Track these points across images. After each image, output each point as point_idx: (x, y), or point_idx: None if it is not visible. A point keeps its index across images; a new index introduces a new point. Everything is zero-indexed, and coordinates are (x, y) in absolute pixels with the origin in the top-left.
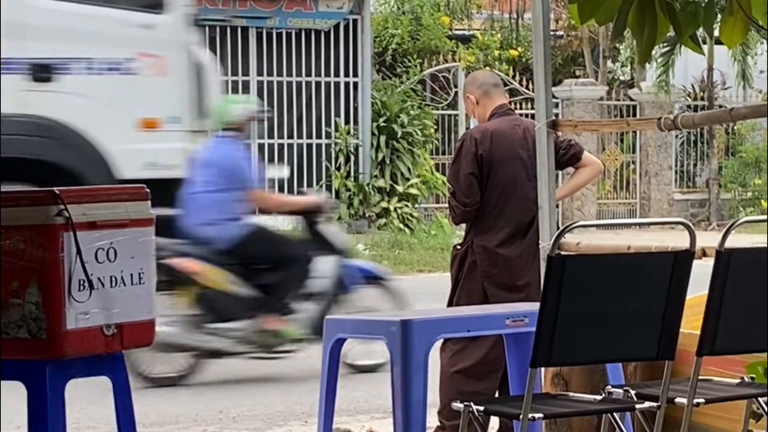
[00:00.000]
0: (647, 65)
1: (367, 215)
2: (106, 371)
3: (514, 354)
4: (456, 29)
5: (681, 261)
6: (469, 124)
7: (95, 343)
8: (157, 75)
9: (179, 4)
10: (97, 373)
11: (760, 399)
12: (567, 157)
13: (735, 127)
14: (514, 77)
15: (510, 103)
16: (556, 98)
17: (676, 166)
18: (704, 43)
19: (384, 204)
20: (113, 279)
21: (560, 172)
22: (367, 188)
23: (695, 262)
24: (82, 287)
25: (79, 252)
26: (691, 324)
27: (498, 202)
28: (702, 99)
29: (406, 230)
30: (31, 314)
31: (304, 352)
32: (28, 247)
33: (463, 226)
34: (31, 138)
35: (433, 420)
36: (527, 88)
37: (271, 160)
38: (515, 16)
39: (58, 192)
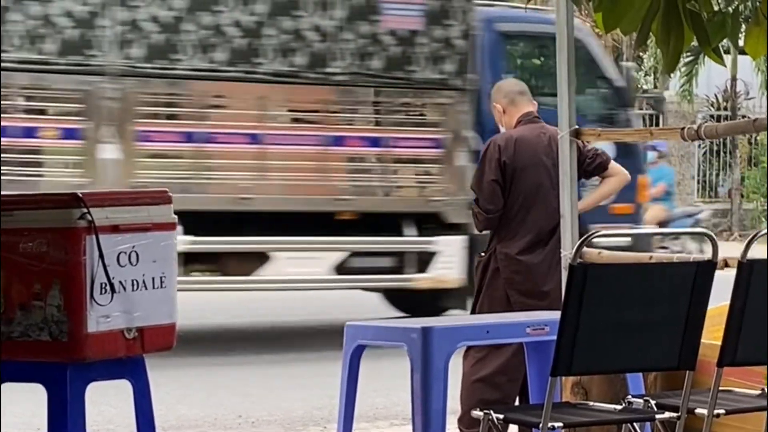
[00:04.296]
0: (670, 75)
1: None
2: (127, 374)
3: (534, 362)
4: None
5: (703, 271)
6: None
7: (116, 346)
8: None
9: None
10: (118, 376)
11: None
12: (593, 166)
13: (758, 138)
14: None
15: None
16: None
17: (698, 175)
18: (727, 53)
19: None
20: (135, 282)
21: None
22: None
23: (717, 272)
24: (103, 290)
25: (101, 255)
26: (712, 334)
27: (521, 209)
28: (725, 109)
29: None
30: (52, 317)
31: (324, 358)
32: (50, 249)
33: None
34: None
35: (452, 427)
36: None
37: None
38: None
39: (81, 195)
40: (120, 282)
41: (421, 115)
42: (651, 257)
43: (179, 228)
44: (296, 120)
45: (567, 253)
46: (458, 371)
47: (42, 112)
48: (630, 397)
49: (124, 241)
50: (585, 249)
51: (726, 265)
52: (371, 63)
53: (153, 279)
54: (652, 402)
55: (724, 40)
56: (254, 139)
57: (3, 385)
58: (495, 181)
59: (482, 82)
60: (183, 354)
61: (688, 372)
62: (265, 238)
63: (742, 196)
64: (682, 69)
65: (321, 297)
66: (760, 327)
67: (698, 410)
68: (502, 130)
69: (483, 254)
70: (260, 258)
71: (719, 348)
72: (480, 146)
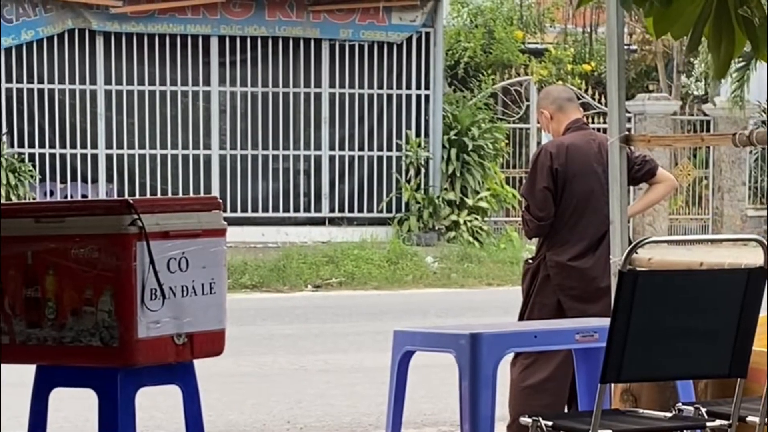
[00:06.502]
0: (722, 80)
1: (436, 228)
2: (177, 380)
3: (583, 369)
4: (529, 43)
5: (754, 278)
6: (541, 138)
7: (166, 351)
8: None
9: None
10: (168, 382)
11: None
12: (642, 173)
13: None
14: (586, 91)
15: (583, 116)
16: (629, 113)
17: (749, 181)
18: None
19: (454, 217)
20: (185, 288)
21: (632, 188)
22: (437, 201)
23: None
24: (154, 296)
25: (152, 261)
26: (764, 342)
27: (572, 217)
28: None
29: (476, 243)
30: (103, 322)
31: (372, 364)
32: (101, 255)
33: (534, 240)
34: None
35: None
36: (600, 102)
37: (341, 172)
38: (589, 30)
39: (132, 201)
40: (170, 288)
41: None
42: (702, 264)
43: None
44: None
45: (616, 259)
46: (506, 377)
47: None
48: (680, 404)
49: (174, 247)
50: (634, 255)
51: None
52: None
53: (202, 285)
54: (703, 410)
55: None
56: None
57: (54, 390)
58: (547, 189)
59: None
60: (232, 360)
61: (739, 380)
62: None
63: None
64: (734, 75)
65: (368, 303)
66: None
67: (749, 418)
68: (547, 136)
69: (531, 261)
70: None
71: None
72: None
